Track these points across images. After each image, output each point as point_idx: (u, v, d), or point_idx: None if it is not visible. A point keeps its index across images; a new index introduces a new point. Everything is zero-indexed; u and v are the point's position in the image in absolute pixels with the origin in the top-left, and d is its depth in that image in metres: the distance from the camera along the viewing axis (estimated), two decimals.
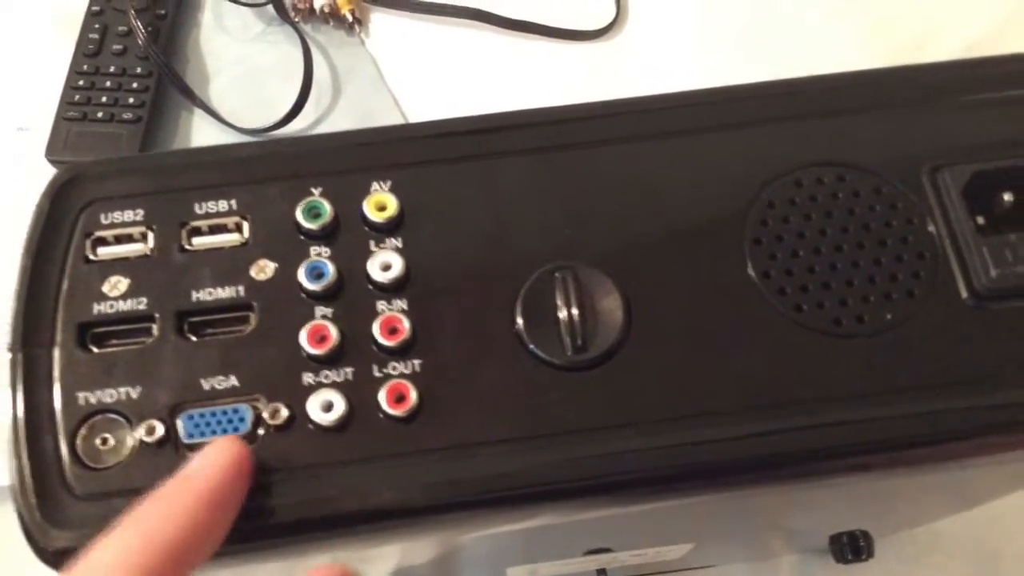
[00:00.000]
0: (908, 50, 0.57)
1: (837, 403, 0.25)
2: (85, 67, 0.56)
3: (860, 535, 0.42)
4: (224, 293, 0.25)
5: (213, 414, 0.24)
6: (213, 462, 0.22)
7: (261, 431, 0.24)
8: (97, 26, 0.57)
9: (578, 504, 0.25)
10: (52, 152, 0.54)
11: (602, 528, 0.33)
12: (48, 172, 0.28)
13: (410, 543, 0.28)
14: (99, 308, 0.25)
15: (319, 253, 0.26)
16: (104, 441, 0.24)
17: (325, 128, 0.57)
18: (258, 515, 0.23)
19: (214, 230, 0.26)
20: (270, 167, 0.27)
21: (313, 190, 0.26)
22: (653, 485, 0.25)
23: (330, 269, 0.25)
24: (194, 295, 0.25)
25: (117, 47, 0.57)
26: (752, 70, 0.28)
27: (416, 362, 0.25)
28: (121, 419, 0.24)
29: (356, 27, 0.59)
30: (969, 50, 0.29)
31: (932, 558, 0.47)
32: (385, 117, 0.56)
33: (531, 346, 0.25)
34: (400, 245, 0.26)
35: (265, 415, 0.24)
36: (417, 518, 0.24)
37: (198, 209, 0.26)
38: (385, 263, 0.25)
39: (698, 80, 0.29)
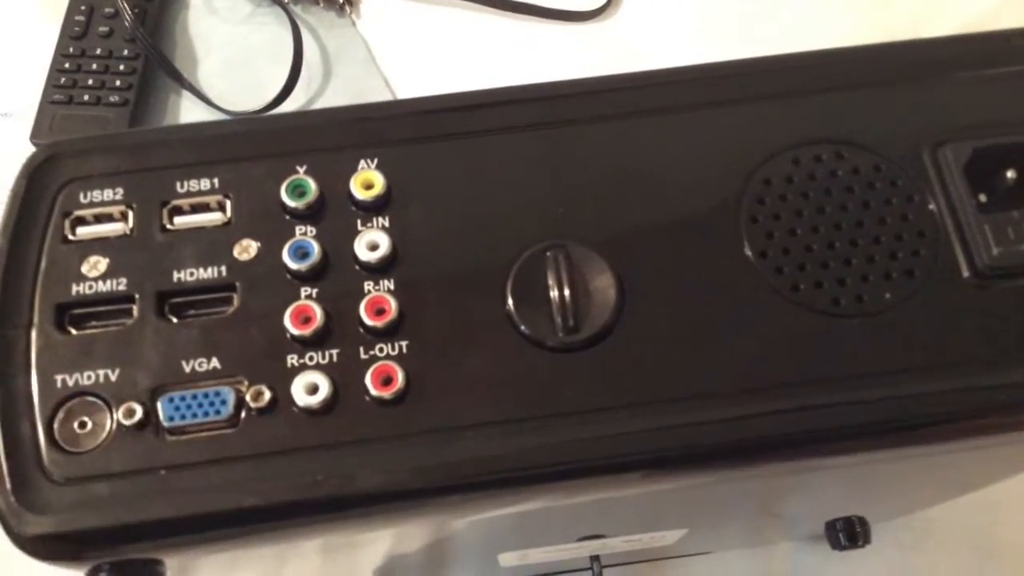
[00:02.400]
0: (906, 26, 0.56)
1: (835, 384, 0.24)
2: (71, 50, 0.55)
3: (856, 521, 0.41)
4: (206, 273, 0.24)
5: (194, 397, 0.23)
6: None
7: (244, 414, 0.23)
8: (83, 8, 0.56)
9: (570, 488, 0.24)
10: (37, 136, 0.53)
11: (595, 513, 0.33)
12: None
13: (399, 528, 0.28)
14: (78, 289, 0.24)
15: (304, 232, 0.25)
16: (82, 425, 0.23)
17: None
18: (242, 500, 0.23)
19: (196, 209, 0.25)
20: (254, 144, 0.26)
21: (298, 168, 0.26)
22: (646, 468, 0.24)
23: (315, 249, 0.24)
24: (175, 275, 0.24)
25: (103, 29, 0.56)
26: (748, 49, 0.27)
27: (403, 343, 0.24)
28: (100, 402, 0.23)
29: (347, 8, 0.58)
30: (967, 28, 0.28)
31: (929, 544, 0.46)
32: (376, 99, 0.55)
33: (522, 327, 0.24)
34: (387, 224, 0.25)
35: (248, 398, 0.23)
36: (404, 502, 0.24)
37: (180, 188, 0.25)
38: (372, 242, 0.25)
39: (694, 59, 0.28)
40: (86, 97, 0.54)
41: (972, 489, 0.40)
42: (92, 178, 0.26)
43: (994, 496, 0.42)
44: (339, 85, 0.57)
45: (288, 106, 0.55)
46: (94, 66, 0.55)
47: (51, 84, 0.54)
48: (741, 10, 0.59)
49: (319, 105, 0.56)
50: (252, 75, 0.56)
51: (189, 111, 0.56)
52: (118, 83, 0.54)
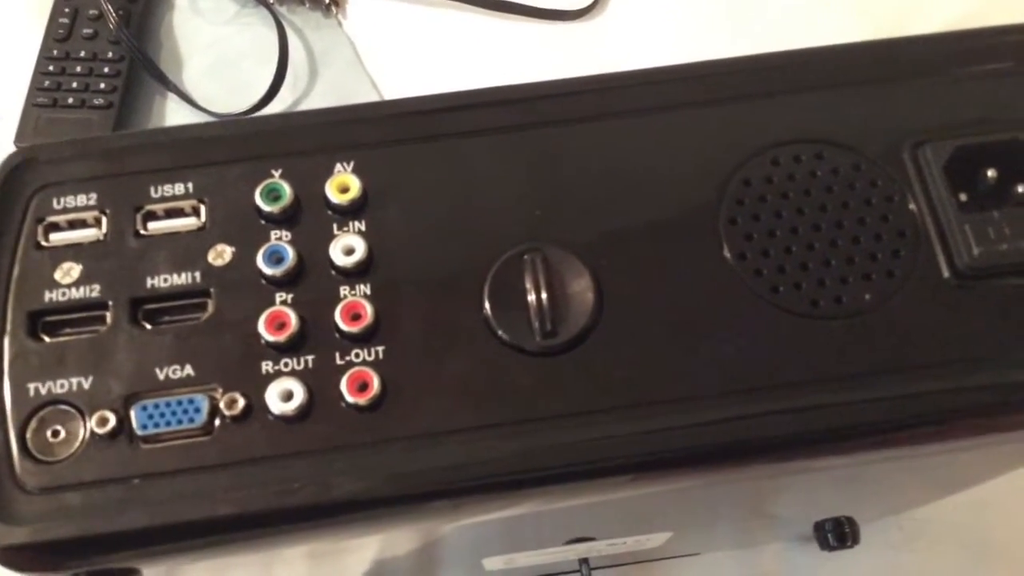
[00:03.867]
0: (892, 25, 0.56)
1: (815, 386, 0.24)
2: (55, 52, 0.55)
3: (845, 521, 0.41)
4: (180, 279, 0.24)
5: (168, 404, 0.23)
6: None
7: (218, 422, 0.23)
8: (67, 10, 0.56)
9: (548, 493, 0.24)
10: (21, 139, 0.52)
11: (581, 516, 0.32)
12: None
13: (379, 535, 0.28)
14: (51, 296, 0.24)
15: (279, 237, 0.25)
16: (55, 433, 0.23)
17: None
18: (217, 509, 0.22)
19: (170, 214, 0.25)
20: (228, 148, 0.26)
21: (273, 172, 0.25)
22: (628, 472, 0.24)
23: (290, 253, 0.24)
24: (149, 282, 0.24)
25: (88, 31, 0.55)
26: (734, 49, 0.27)
27: (379, 349, 0.24)
28: (73, 410, 0.23)
29: (333, 8, 0.58)
30: (952, 26, 0.28)
31: (918, 544, 0.46)
32: (363, 100, 0.55)
33: (499, 331, 0.24)
34: (363, 228, 0.25)
35: (222, 405, 0.23)
36: (382, 509, 0.23)
37: (153, 192, 0.25)
38: (348, 247, 0.24)
39: (680, 59, 0.28)
40: (70, 100, 0.53)
41: (959, 489, 0.40)
42: (65, 183, 0.25)
43: (983, 495, 0.41)
44: (325, 86, 0.56)
45: (274, 107, 0.55)
46: (78, 68, 0.54)
47: (35, 87, 0.54)
48: (727, 10, 0.58)
49: (305, 106, 0.56)
50: (238, 76, 0.56)
51: (174, 113, 0.55)
52: (102, 85, 0.54)
